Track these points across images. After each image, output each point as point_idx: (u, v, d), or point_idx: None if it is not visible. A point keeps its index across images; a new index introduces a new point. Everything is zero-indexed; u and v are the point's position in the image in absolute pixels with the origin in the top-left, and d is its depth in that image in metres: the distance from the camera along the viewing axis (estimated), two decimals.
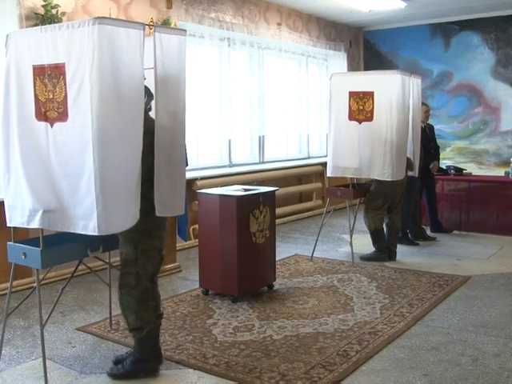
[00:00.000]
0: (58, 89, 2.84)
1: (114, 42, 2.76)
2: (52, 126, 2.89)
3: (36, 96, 2.93)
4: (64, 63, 2.80)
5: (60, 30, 2.80)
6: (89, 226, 2.84)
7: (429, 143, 6.64)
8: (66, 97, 2.81)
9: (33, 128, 2.96)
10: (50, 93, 2.87)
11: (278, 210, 6.08)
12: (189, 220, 5.77)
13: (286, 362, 3.30)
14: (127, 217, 2.95)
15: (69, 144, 2.85)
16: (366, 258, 5.75)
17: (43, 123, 2.92)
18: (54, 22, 4.65)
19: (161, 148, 3.11)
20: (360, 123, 5.42)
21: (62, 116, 2.84)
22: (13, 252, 3.09)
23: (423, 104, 6.63)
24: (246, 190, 4.65)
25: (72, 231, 2.95)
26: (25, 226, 3.08)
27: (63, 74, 2.81)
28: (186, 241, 6.00)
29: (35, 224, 3.00)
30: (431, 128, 6.87)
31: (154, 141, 3.02)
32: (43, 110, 2.91)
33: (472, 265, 5.54)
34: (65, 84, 2.81)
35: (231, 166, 7.46)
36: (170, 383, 3.07)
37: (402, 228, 6.23)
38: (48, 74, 2.86)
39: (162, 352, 3.30)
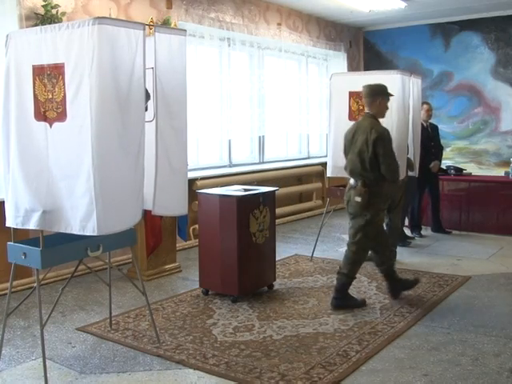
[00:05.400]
0: (57, 89, 2.83)
1: (114, 42, 2.76)
2: (51, 126, 2.88)
3: (35, 96, 2.92)
4: (63, 63, 2.79)
5: (60, 30, 2.79)
6: (87, 227, 2.83)
7: (429, 142, 6.63)
8: (64, 97, 2.81)
9: (31, 128, 2.95)
10: (49, 93, 2.86)
11: (278, 210, 6.08)
12: (189, 220, 5.78)
13: (285, 362, 3.29)
14: (127, 216, 2.94)
15: (67, 144, 2.83)
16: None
17: (42, 123, 2.91)
18: (54, 22, 4.65)
19: (162, 148, 3.12)
20: None
21: (61, 116, 2.83)
22: (13, 252, 3.09)
23: (426, 103, 6.63)
24: (245, 190, 4.65)
25: (69, 232, 2.94)
26: (19, 227, 3.07)
27: (62, 74, 2.80)
28: (185, 241, 6.00)
29: (31, 225, 2.98)
30: (434, 127, 6.85)
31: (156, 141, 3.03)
32: (42, 110, 2.90)
33: (472, 265, 5.54)
34: (64, 84, 2.80)
35: (231, 166, 7.46)
36: (170, 383, 3.07)
37: None
38: (47, 74, 2.85)
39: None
